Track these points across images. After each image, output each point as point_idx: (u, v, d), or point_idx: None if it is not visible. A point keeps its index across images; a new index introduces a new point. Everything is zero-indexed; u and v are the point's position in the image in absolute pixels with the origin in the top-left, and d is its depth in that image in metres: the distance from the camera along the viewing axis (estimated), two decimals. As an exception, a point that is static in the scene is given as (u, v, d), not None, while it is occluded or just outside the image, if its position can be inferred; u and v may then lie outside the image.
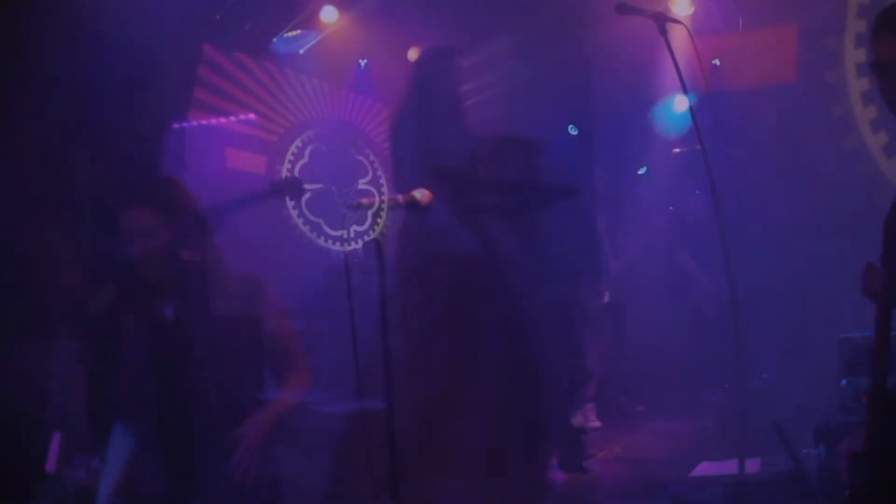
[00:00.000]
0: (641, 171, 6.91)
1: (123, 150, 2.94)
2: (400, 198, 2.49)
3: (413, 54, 7.10)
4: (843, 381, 3.57)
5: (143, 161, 3.01)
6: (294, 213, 7.11)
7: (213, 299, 2.91)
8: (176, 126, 3.45)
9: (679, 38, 2.89)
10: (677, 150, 5.79)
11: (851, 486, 1.64)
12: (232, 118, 6.64)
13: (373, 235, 7.57)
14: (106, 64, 2.76)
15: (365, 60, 7.42)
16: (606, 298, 5.32)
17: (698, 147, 2.69)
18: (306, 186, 7.26)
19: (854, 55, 6.19)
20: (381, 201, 3.11)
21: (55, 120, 2.71)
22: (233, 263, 3.18)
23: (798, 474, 2.91)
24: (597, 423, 5.17)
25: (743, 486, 2.60)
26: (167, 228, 2.56)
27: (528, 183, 3.65)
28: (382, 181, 7.88)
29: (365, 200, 2.62)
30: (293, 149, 7.25)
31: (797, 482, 2.89)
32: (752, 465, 3.06)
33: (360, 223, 7.60)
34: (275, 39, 6.82)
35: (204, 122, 6.16)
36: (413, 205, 2.45)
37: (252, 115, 6.86)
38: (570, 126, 7.34)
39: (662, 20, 2.74)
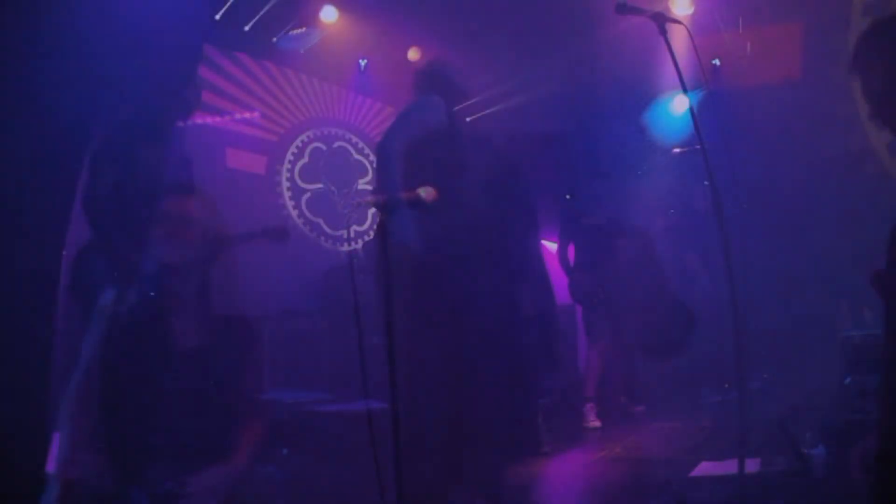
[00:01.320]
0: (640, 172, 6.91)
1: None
2: (404, 196, 2.48)
3: (414, 55, 7.13)
4: (847, 379, 3.58)
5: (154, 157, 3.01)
6: (294, 213, 7.12)
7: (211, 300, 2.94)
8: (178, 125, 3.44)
9: (679, 38, 2.90)
10: (677, 150, 5.79)
11: (869, 488, 1.63)
12: (232, 118, 6.64)
13: (373, 235, 7.57)
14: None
15: (365, 60, 7.43)
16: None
17: (698, 147, 2.69)
18: (306, 186, 7.27)
19: (859, 53, 6.17)
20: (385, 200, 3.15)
21: (57, 114, 2.71)
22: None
23: (803, 472, 2.91)
24: (597, 423, 5.18)
25: (743, 486, 2.60)
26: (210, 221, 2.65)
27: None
28: (382, 181, 7.87)
29: (370, 198, 2.62)
30: (293, 149, 7.25)
31: (801, 480, 2.89)
32: (752, 465, 3.06)
33: (360, 223, 7.60)
34: (275, 39, 6.82)
35: (204, 122, 6.16)
36: (417, 203, 2.45)
37: (252, 115, 6.86)
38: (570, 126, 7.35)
39: (662, 20, 2.74)
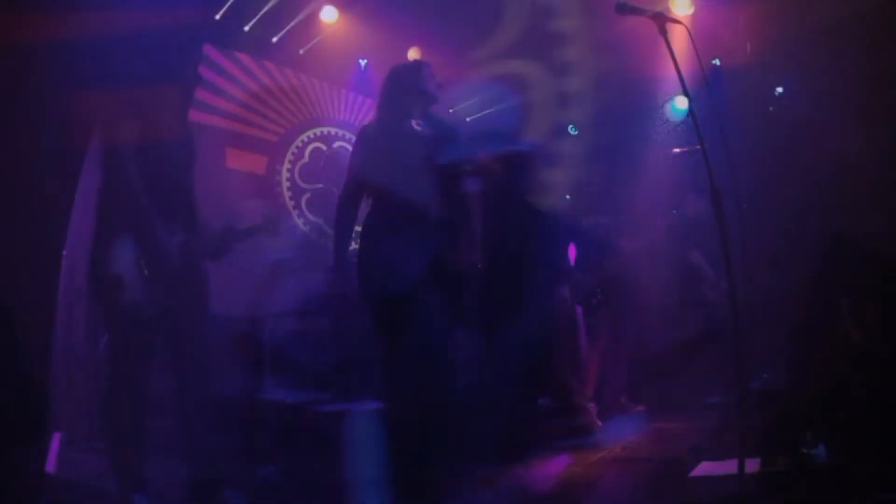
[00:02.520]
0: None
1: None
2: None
3: (414, 55, 7.13)
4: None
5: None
6: (294, 213, 7.12)
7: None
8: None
9: (679, 38, 2.90)
10: (677, 150, 5.79)
11: None
12: (232, 118, 6.64)
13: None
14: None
15: (365, 60, 7.43)
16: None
17: (698, 147, 2.69)
18: (306, 186, 7.27)
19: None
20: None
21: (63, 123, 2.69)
22: (233, 264, 3.19)
23: (802, 472, 2.92)
24: (597, 423, 5.17)
25: (743, 486, 2.60)
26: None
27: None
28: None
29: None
30: (293, 149, 7.25)
31: (801, 480, 2.90)
32: (752, 465, 3.06)
33: (360, 223, 7.59)
34: (275, 39, 6.82)
35: (204, 122, 6.16)
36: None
37: (252, 115, 6.86)
38: (570, 126, 7.36)
39: (662, 20, 2.74)
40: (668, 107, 6.88)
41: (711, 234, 2.61)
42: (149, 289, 2.71)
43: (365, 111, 7.88)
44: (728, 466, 3.22)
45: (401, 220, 3.20)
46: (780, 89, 6.56)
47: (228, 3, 6.20)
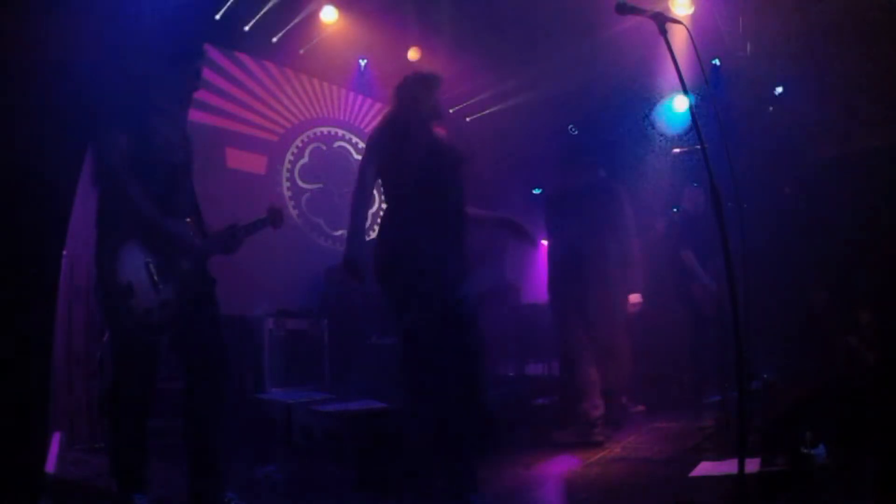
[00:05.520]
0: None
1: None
2: None
3: (414, 55, 7.13)
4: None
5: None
6: (294, 213, 7.12)
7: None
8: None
9: (679, 38, 2.90)
10: (677, 150, 5.78)
11: None
12: (232, 118, 6.64)
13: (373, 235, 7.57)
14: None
15: (365, 60, 7.44)
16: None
17: (699, 147, 2.68)
18: (306, 186, 7.27)
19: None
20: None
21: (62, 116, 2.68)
22: (233, 264, 3.19)
23: (802, 472, 2.91)
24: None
25: (743, 486, 2.60)
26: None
27: None
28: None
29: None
30: (293, 149, 7.25)
31: (801, 480, 2.89)
32: (752, 465, 3.06)
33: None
34: (275, 39, 6.82)
35: (204, 122, 6.16)
36: None
37: (252, 115, 6.86)
38: (570, 126, 7.37)
39: (662, 20, 2.74)
40: (667, 107, 6.89)
41: (708, 231, 2.61)
42: (159, 293, 2.71)
43: (365, 111, 7.88)
44: (728, 466, 3.22)
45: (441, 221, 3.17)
46: (780, 89, 6.57)
47: (228, 3, 6.21)
